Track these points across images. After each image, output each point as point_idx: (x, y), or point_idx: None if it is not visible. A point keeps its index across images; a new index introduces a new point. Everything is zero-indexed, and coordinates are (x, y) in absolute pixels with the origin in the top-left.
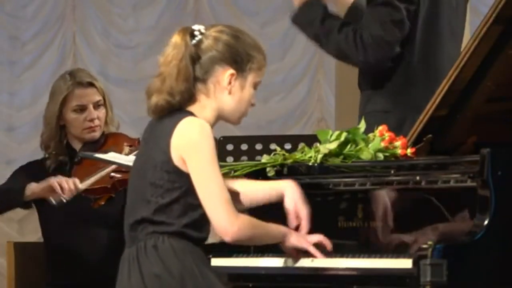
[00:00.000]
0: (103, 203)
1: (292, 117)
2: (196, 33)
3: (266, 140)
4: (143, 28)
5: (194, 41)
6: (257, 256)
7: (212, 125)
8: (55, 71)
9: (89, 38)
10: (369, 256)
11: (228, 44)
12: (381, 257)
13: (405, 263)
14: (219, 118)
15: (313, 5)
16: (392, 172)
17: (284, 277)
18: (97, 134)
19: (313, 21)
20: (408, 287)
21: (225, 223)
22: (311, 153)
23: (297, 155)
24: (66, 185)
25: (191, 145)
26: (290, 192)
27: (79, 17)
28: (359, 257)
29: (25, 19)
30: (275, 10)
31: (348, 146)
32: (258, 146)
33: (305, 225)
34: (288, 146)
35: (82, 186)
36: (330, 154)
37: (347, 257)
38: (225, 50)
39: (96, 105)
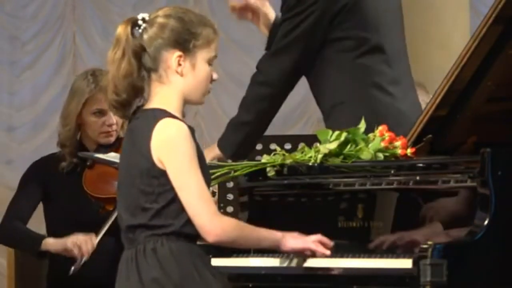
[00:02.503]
0: (111, 209)
1: (292, 117)
2: (140, 22)
3: (266, 140)
4: None
5: (139, 31)
6: (257, 256)
7: (182, 111)
8: (55, 71)
9: (89, 38)
10: (369, 256)
11: (173, 29)
12: (381, 257)
13: (405, 263)
14: (185, 102)
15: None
16: (392, 172)
17: (284, 277)
18: (112, 139)
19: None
20: (408, 287)
21: (206, 223)
22: (311, 153)
23: (297, 155)
24: (84, 248)
25: (167, 146)
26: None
27: (79, 17)
28: (359, 257)
29: (25, 19)
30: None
31: (348, 146)
32: (258, 146)
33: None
34: (288, 146)
35: (98, 238)
36: (330, 154)
37: (347, 257)
38: (170, 35)
39: None
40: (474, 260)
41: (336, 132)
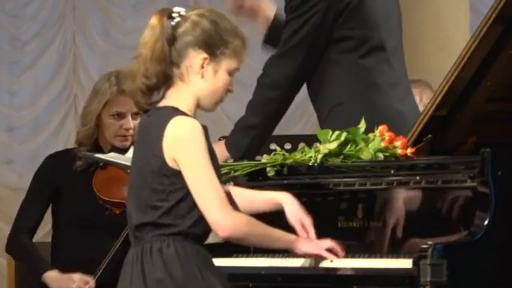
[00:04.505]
0: (117, 212)
1: (292, 117)
2: (175, 15)
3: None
4: (143, 28)
5: (172, 23)
6: (257, 256)
7: (194, 112)
8: (55, 71)
9: (89, 38)
10: (369, 256)
11: (205, 29)
12: (381, 257)
13: (405, 263)
14: (198, 105)
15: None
16: (392, 172)
17: (284, 277)
18: (128, 143)
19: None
20: (408, 287)
21: (219, 218)
22: (311, 153)
23: (297, 155)
24: None
25: (181, 144)
26: (289, 205)
27: (79, 17)
28: (359, 257)
29: (25, 19)
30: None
31: (348, 146)
32: None
33: (312, 235)
34: (288, 146)
35: (95, 279)
36: (330, 154)
37: (347, 257)
38: (201, 34)
39: (135, 114)
40: (474, 260)
41: (336, 132)
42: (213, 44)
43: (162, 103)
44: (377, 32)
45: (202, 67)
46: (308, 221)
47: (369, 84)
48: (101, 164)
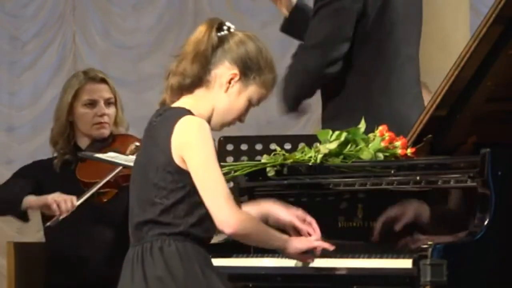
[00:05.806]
0: (105, 200)
1: (292, 117)
2: (224, 27)
3: (266, 140)
4: (143, 28)
5: (219, 34)
6: (257, 256)
7: (208, 121)
8: (55, 71)
9: (89, 38)
10: (369, 256)
11: (248, 50)
12: (381, 257)
13: (405, 263)
14: (210, 118)
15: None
16: (392, 172)
17: (284, 277)
18: (106, 132)
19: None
20: (408, 287)
21: (226, 215)
22: (311, 153)
23: (297, 155)
24: (63, 205)
25: (190, 143)
26: (277, 208)
27: (79, 17)
28: (359, 257)
29: (25, 19)
30: (275, 10)
31: (348, 146)
32: (258, 146)
33: (316, 228)
34: (288, 146)
35: (78, 202)
36: (330, 154)
37: (347, 257)
38: (243, 53)
39: (107, 103)
40: (474, 260)
41: (336, 132)
42: (249, 67)
43: (176, 104)
44: (395, 36)
45: (230, 82)
46: (309, 217)
47: (382, 91)
48: (79, 156)
